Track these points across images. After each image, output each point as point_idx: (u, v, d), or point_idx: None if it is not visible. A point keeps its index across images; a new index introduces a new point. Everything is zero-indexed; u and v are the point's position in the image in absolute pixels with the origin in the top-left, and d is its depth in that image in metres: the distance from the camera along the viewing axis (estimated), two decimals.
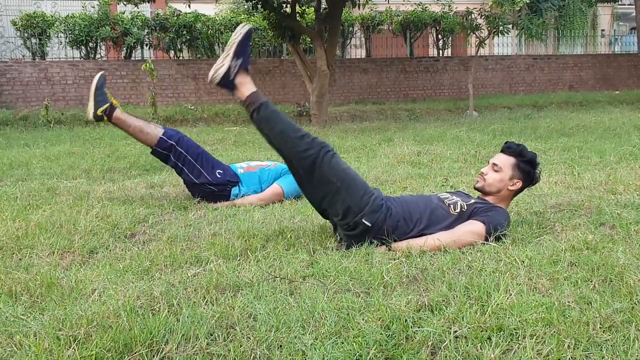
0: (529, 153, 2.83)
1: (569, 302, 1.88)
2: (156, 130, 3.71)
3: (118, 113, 3.63)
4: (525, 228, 2.84)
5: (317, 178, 2.59)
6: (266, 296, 2.00)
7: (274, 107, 2.71)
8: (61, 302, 1.98)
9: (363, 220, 2.56)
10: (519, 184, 2.81)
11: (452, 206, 2.72)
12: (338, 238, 2.70)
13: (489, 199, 2.82)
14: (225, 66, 2.64)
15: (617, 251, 2.37)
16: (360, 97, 14.34)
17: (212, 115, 11.63)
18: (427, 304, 1.90)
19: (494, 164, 2.84)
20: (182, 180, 3.89)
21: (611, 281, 2.08)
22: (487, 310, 1.81)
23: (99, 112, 3.55)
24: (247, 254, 2.53)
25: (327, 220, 2.86)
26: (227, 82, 2.67)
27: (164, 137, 3.69)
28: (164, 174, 4.82)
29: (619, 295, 1.94)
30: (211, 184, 3.70)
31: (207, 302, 1.97)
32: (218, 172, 3.75)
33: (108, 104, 3.59)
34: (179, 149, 3.68)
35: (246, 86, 2.69)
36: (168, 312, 1.88)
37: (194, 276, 2.24)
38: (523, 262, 2.29)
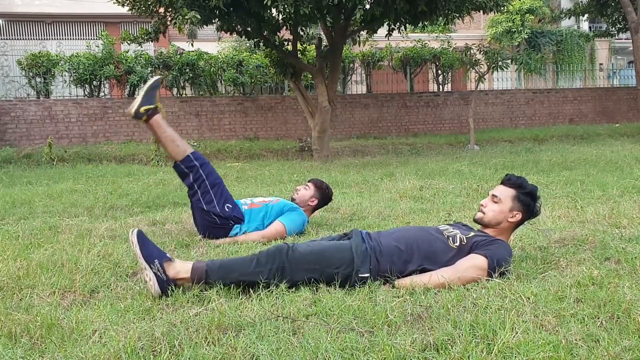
0: (529, 185, 2.83)
1: (576, 340, 1.85)
2: (186, 147, 3.75)
3: (158, 118, 3.60)
4: (530, 263, 2.82)
5: (299, 277, 2.55)
6: (269, 336, 1.97)
7: (215, 263, 2.63)
8: (61, 344, 1.96)
9: (360, 274, 2.55)
10: (519, 216, 2.80)
11: (451, 239, 2.69)
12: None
13: (489, 231, 2.80)
14: (153, 278, 2.52)
15: (624, 287, 2.35)
16: (362, 132, 14.44)
17: (215, 151, 11.69)
18: (432, 343, 1.87)
19: (494, 196, 2.83)
20: (185, 215, 3.88)
21: (618, 318, 2.05)
22: (493, 350, 1.78)
23: (142, 109, 3.52)
24: (249, 292, 2.51)
25: None
26: (165, 284, 2.54)
27: (191, 157, 3.73)
28: (166, 211, 4.82)
29: (626, 333, 1.91)
30: (217, 215, 3.71)
31: (208, 342, 1.95)
32: (227, 206, 3.76)
33: (154, 106, 3.58)
34: (201, 172, 3.72)
35: (181, 272, 2.58)
36: (169, 353, 1.86)
37: (196, 316, 2.22)
38: (529, 298, 2.26)
